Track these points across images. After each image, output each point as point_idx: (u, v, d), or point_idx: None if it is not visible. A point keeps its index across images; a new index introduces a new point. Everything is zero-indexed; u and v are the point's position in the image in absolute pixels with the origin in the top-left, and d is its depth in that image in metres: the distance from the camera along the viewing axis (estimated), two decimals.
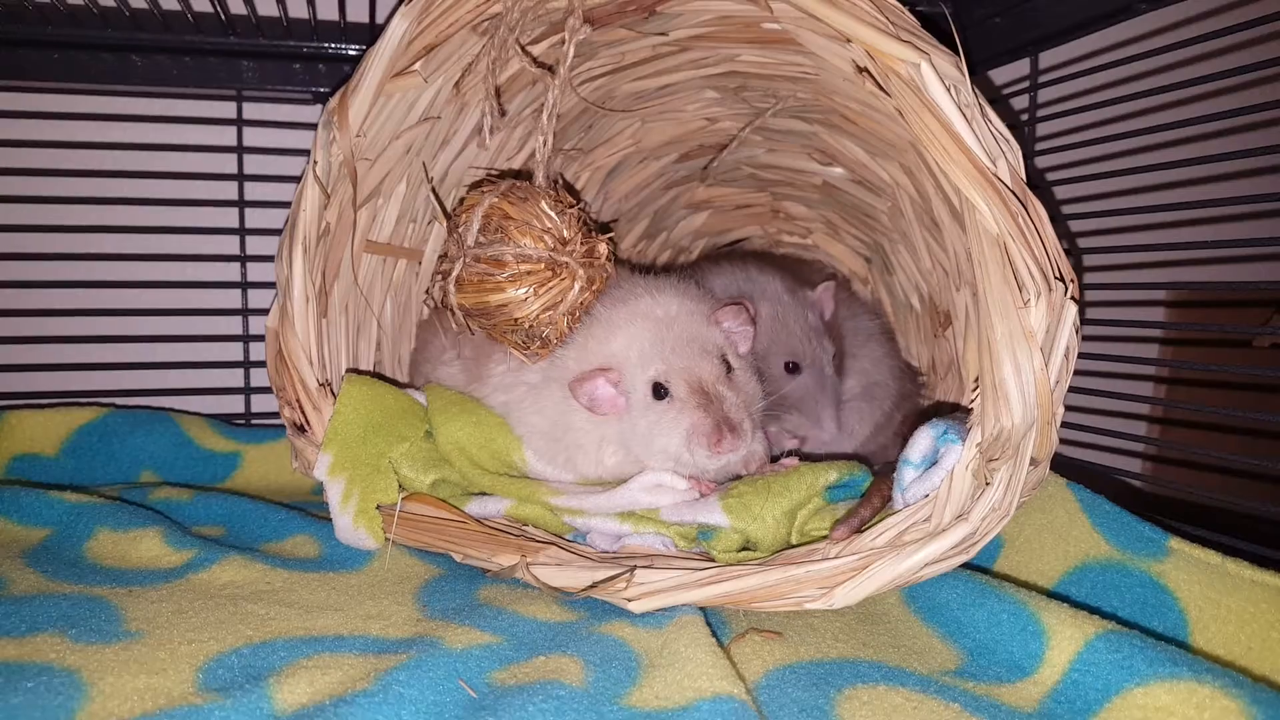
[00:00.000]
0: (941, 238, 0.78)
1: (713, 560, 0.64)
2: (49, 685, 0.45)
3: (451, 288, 0.71)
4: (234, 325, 1.05)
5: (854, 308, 0.94)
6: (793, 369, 0.80)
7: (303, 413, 0.70)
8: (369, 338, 0.81)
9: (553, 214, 0.69)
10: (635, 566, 0.60)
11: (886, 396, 0.89)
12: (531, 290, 0.68)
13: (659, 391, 0.67)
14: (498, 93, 0.76)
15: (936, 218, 0.77)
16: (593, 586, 0.60)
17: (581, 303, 0.71)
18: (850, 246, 1.06)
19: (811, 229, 1.08)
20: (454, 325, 0.74)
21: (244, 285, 1.04)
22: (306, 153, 0.99)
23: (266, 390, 1.04)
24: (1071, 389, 0.56)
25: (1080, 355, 0.57)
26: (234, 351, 1.04)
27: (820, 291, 0.85)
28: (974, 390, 0.58)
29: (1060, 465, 0.65)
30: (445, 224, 0.77)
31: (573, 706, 0.46)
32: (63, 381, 0.98)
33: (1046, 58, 0.99)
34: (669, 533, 0.66)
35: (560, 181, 0.82)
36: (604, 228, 0.78)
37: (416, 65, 0.70)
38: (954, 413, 0.67)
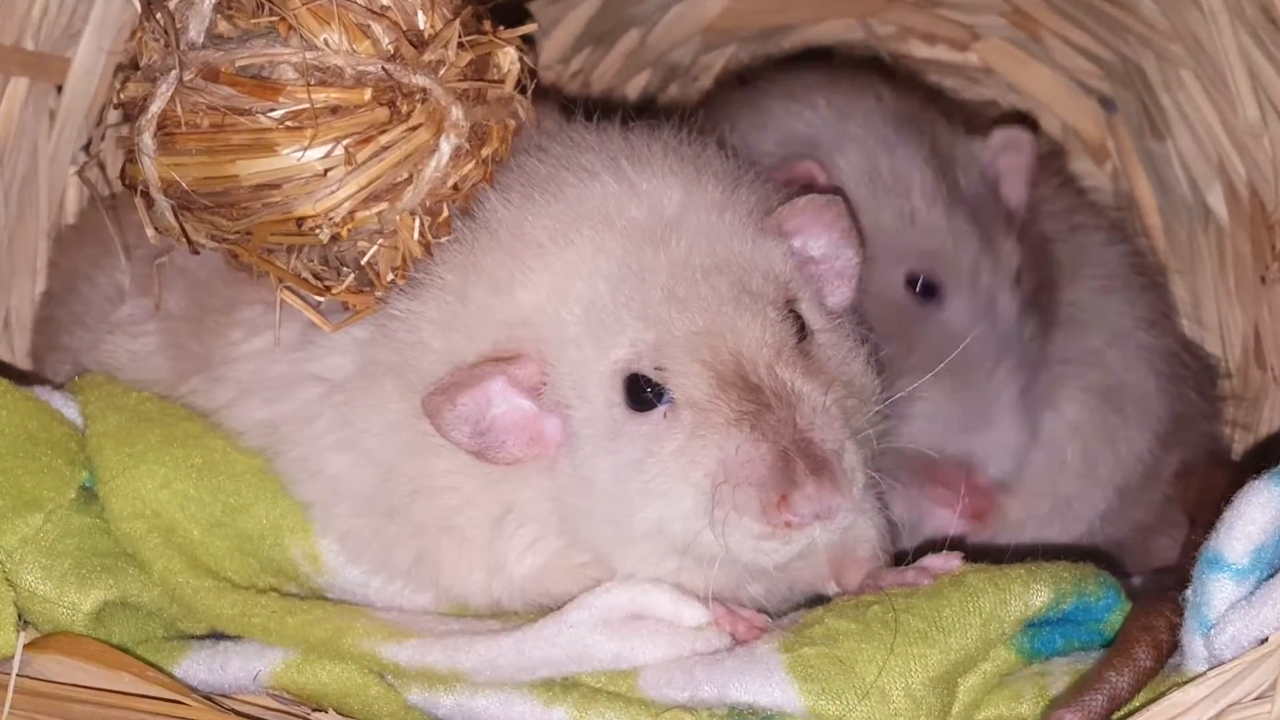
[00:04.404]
0: None
1: None
2: None
3: (149, 141, 0.69)
4: None
5: (1071, 207, 1.00)
6: (927, 292, 0.86)
7: None
8: None
9: None
10: None
11: (1146, 416, 0.94)
12: (340, 150, 0.67)
13: (639, 392, 0.65)
14: None
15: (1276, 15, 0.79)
16: None
17: (455, 186, 0.70)
18: (1067, 72, 1.08)
19: (978, 32, 1.11)
20: (151, 233, 0.73)
21: None
22: None
23: None
24: None
25: None
26: None
27: (1000, 143, 0.93)
28: None
29: None
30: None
31: None
32: None
33: None
34: None
35: None
36: (519, 12, 0.81)
37: None
38: None
